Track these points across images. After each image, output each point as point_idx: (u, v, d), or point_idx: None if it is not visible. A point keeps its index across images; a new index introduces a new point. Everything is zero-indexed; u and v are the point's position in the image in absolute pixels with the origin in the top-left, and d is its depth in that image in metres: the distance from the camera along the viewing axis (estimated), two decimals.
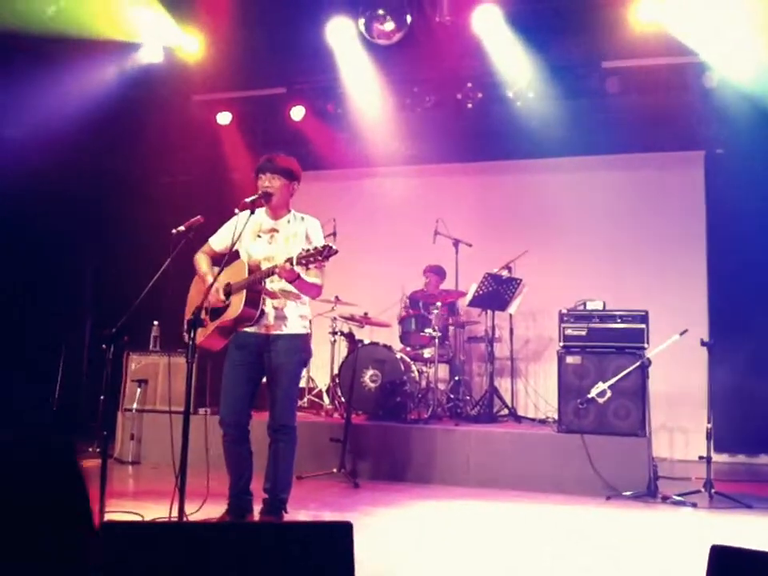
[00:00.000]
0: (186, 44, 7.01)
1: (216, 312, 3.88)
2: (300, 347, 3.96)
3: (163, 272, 3.55)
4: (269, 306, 3.90)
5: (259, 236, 3.99)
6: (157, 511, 3.94)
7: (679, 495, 4.98)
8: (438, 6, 6.50)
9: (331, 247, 3.46)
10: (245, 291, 3.77)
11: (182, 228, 3.63)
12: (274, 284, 3.90)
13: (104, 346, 3.38)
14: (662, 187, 7.54)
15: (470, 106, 7.34)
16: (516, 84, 7.09)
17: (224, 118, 7.97)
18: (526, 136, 7.22)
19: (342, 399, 6.22)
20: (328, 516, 4.43)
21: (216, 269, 3.89)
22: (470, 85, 7.27)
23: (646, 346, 5.49)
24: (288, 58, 7.10)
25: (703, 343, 5.17)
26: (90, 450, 6.29)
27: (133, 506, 4.21)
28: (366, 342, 6.37)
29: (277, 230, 3.99)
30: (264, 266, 3.83)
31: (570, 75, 6.97)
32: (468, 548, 3.81)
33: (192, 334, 3.30)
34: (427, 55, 6.91)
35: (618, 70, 6.88)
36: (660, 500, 5.01)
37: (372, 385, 6.17)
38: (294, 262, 3.54)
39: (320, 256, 3.48)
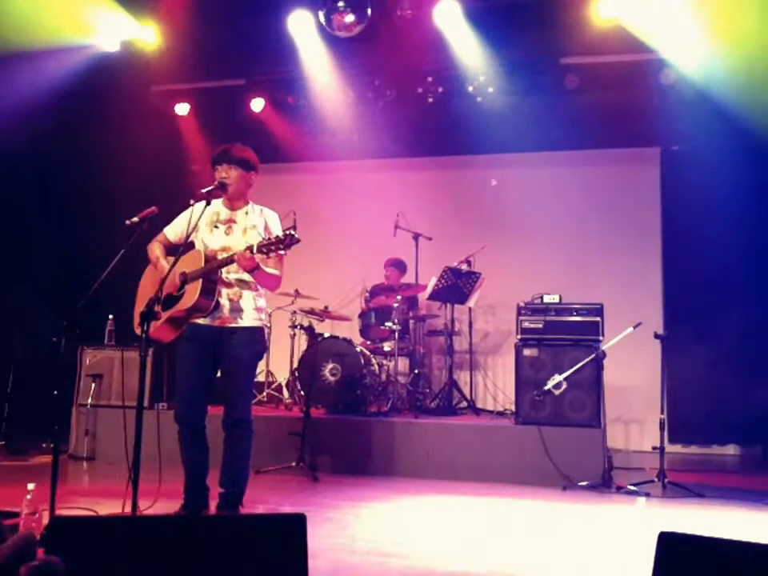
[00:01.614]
0: (142, 34, 6.90)
1: (169, 302, 3.80)
2: (255, 340, 3.90)
3: (117, 264, 3.48)
4: (224, 297, 3.84)
5: (216, 227, 3.94)
6: (111, 507, 3.89)
7: (633, 485, 5.06)
8: (399, 0, 6.50)
9: (293, 236, 3.43)
10: (201, 280, 3.72)
11: (135, 219, 3.56)
12: (230, 274, 3.85)
13: (54, 339, 3.31)
14: (618, 183, 7.66)
15: (430, 100, 7.38)
16: (476, 79, 7.13)
17: (182, 108, 7.88)
18: (486, 131, 7.25)
19: (302, 393, 6.20)
20: (287, 510, 4.41)
21: (171, 258, 3.83)
22: (430, 79, 7.30)
23: (601, 338, 5.58)
24: (248, 49, 7.03)
25: (656, 336, 5.26)
26: (44, 445, 6.20)
27: (87, 503, 4.13)
28: (326, 335, 6.35)
29: (234, 221, 3.94)
30: (220, 257, 3.79)
31: (528, 71, 7.04)
32: (427, 540, 3.82)
33: (145, 327, 3.24)
34: (388, 49, 6.91)
35: (576, 66, 6.96)
36: (614, 490, 5.09)
37: (332, 378, 6.16)
38: (255, 250, 3.51)
39: (281, 244, 3.45)
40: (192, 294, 3.72)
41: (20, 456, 6.00)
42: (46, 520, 3.31)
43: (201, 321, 3.84)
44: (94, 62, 6.79)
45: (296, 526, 2.02)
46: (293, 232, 3.44)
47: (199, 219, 3.77)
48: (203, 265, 3.75)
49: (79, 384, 6.24)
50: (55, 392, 5.08)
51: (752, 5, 5.73)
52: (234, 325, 3.85)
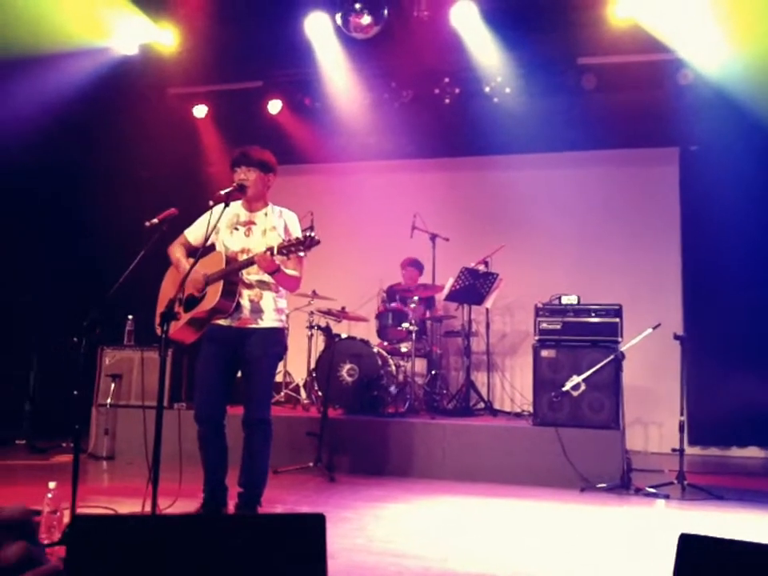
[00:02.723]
0: (161, 37, 6.96)
1: (190, 303, 3.84)
2: (276, 340, 3.93)
3: (137, 265, 3.51)
4: (245, 298, 3.87)
5: (236, 228, 3.97)
6: (130, 506, 3.92)
7: (652, 487, 5.03)
8: (416, 1, 6.50)
9: (313, 237, 3.45)
10: (222, 282, 3.75)
11: (155, 220, 3.58)
12: (251, 276, 3.88)
13: (75, 338, 3.34)
14: (637, 183, 7.62)
15: (447, 101, 7.37)
16: (493, 80, 7.12)
17: (200, 111, 7.93)
18: (503, 132, 7.24)
19: (319, 393, 6.21)
20: (305, 510, 4.42)
21: (192, 260, 3.85)
22: (447, 80, 7.29)
23: (619, 339, 5.54)
24: (265, 51, 7.07)
25: (676, 337, 5.23)
26: (64, 445, 6.27)
27: (106, 502, 4.17)
28: (343, 336, 6.37)
29: (254, 223, 3.97)
30: (241, 258, 3.82)
31: (546, 71, 7.02)
32: (444, 541, 3.82)
33: (165, 327, 3.26)
34: (405, 50, 6.91)
35: (594, 66, 6.94)
36: (633, 492, 5.06)
37: (349, 379, 6.17)
38: (275, 252, 3.53)
39: (301, 245, 3.47)
40: (213, 295, 3.75)
41: (41, 455, 6.06)
42: (67, 518, 3.35)
43: (222, 322, 3.87)
44: (112, 64, 6.86)
45: (315, 526, 2.03)
46: (312, 234, 3.46)
47: (218, 221, 3.79)
48: (224, 266, 3.78)
49: (99, 384, 6.29)
50: (75, 392, 5.14)
51: None
52: (254, 326, 3.87)
